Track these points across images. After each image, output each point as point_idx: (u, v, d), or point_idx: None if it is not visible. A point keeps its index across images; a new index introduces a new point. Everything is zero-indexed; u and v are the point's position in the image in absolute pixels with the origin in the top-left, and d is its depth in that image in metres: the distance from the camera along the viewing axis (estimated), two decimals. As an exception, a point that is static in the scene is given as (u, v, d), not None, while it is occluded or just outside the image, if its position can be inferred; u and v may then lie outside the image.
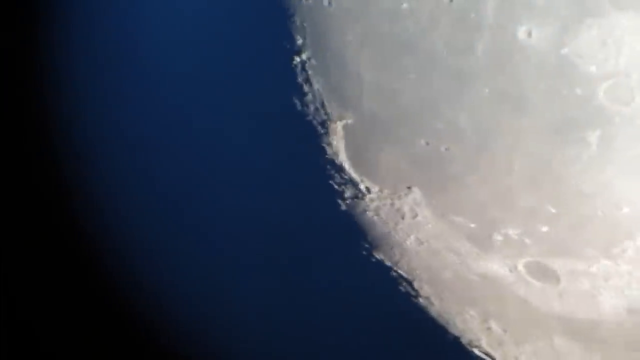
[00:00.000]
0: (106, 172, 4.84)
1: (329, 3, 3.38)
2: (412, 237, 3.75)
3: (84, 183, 5.00)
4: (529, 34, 2.92)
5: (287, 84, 3.67)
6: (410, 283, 3.94)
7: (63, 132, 5.00)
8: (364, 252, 3.96)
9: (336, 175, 3.78)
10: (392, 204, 3.71)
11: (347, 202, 3.84)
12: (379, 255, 3.96)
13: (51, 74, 5.00)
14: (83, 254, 5.23)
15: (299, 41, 3.56)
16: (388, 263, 3.94)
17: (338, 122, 3.65)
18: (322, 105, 3.63)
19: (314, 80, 3.61)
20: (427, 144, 3.41)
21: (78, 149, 4.95)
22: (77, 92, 4.83)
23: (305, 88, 3.64)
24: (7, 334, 5.38)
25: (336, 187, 3.82)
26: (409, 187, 3.62)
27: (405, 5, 3.17)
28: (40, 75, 5.08)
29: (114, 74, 4.56)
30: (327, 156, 3.74)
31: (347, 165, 3.74)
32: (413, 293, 3.95)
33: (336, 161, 3.74)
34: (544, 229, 3.33)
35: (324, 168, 3.78)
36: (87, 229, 5.14)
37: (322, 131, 3.69)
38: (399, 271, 3.93)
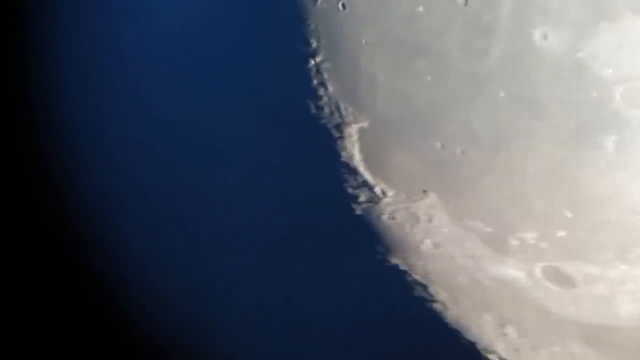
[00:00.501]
0: (112, 174, 4.84)
1: (343, 7, 3.38)
2: (428, 241, 3.74)
3: (84, 184, 5.00)
4: (545, 37, 2.89)
5: (302, 87, 3.67)
6: (425, 288, 3.92)
7: (62, 132, 5.01)
8: (379, 257, 3.95)
9: (351, 178, 3.77)
10: (407, 208, 3.69)
11: (362, 206, 3.83)
12: (394, 260, 3.94)
13: (45, 74, 5.01)
14: (74, 255, 5.23)
15: (313, 44, 3.56)
16: (403, 267, 3.93)
17: (353, 125, 3.64)
18: (337, 108, 3.63)
19: (328, 83, 3.60)
20: (442, 147, 3.39)
21: (78, 151, 4.95)
22: (84, 92, 4.83)
23: (320, 91, 3.63)
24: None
25: (351, 191, 3.81)
26: (424, 191, 3.60)
27: (420, 8, 3.16)
28: (29, 75, 5.09)
29: (122, 81, 4.57)
30: (341, 160, 3.73)
31: (362, 169, 3.73)
32: (428, 298, 3.93)
33: (351, 165, 3.73)
34: (560, 233, 3.30)
35: (338, 171, 3.77)
36: (80, 232, 5.15)
37: (336, 134, 3.69)
38: (414, 276, 3.91)
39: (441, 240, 3.69)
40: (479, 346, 3.97)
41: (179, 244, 4.70)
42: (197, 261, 4.71)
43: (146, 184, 4.67)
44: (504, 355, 3.93)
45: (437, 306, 3.94)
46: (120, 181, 4.81)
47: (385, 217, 3.80)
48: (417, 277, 3.91)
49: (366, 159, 3.70)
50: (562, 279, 3.45)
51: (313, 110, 3.69)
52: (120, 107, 4.63)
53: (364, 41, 3.39)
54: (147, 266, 4.91)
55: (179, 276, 4.81)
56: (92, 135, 4.84)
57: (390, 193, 3.71)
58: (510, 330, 3.80)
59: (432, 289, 3.90)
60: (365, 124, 3.59)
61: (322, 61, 3.58)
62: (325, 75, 3.59)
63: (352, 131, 3.65)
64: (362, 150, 3.68)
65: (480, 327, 3.89)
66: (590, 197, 3.13)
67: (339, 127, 3.66)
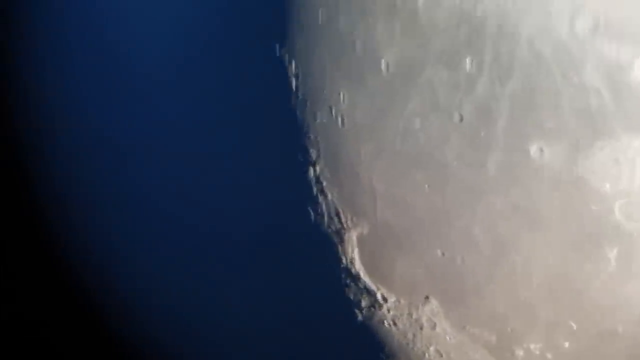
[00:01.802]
0: (96, 176, 4.70)
1: (342, 122, 3.45)
2: (432, 349, 3.68)
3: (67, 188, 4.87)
4: (541, 152, 2.94)
5: (302, 194, 3.69)
6: (432, 399, 3.83)
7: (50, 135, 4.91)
8: (382, 365, 3.88)
9: (352, 284, 3.75)
10: (409, 314, 3.66)
11: (364, 312, 3.79)
12: (398, 368, 3.88)
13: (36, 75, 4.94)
14: (58, 257, 5.11)
15: (314, 154, 3.61)
16: (408, 376, 3.85)
17: (352, 232, 3.65)
18: (337, 214, 3.65)
19: (327, 191, 3.63)
20: (443, 254, 3.40)
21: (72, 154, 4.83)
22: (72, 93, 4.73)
23: (320, 198, 3.66)
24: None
25: (352, 296, 3.78)
26: (426, 297, 3.57)
27: (416, 125, 3.22)
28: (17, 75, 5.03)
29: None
30: (342, 265, 3.72)
31: (362, 274, 3.71)
32: (436, 410, 3.84)
33: (352, 270, 3.72)
34: (566, 344, 3.25)
35: (339, 277, 3.75)
36: (62, 235, 5.02)
37: (336, 240, 3.69)
38: (420, 385, 3.84)
39: (446, 349, 3.64)
40: None
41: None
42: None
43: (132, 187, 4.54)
44: None
45: (445, 418, 3.84)
46: (104, 184, 4.68)
47: (387, 324, 3.76)
48: (423, 387, 3.83)
49: (367, 265, 3.68)
50: (571, 390, 3.38)
51: (312, 217, 3.70)
52: (104, 110, 4.52)
53: (362, 153, 3.44)
54: (131, 269, 4.78)
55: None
56: (72, 137, 4.74)
57: (392, 299, 3.69)
58: None
59: (439, 401, 3.82)
60: (365, 231, 3.60)
61: (322, 170, 3.62)
62: (325, 184, 3.63)
63: (352, 237, 3.65)
64: (363, 256, 3.67)
65: None
66: (595, 308, 3.10)
67: (339, 233, 3.67)
